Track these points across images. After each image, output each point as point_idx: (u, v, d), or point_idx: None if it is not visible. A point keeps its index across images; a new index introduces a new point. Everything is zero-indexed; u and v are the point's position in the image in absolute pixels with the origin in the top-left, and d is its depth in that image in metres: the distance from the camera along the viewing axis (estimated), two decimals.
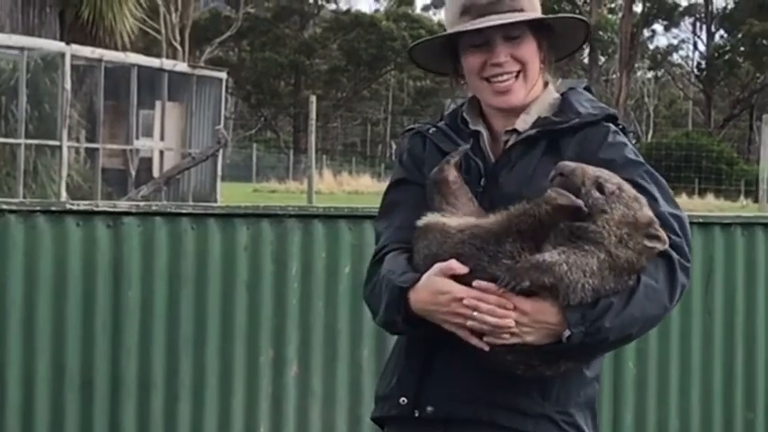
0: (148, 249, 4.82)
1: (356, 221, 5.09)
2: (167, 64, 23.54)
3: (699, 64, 71.84)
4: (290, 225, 5.02)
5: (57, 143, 18.94)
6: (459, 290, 2.70)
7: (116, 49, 21.88)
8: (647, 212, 2.73)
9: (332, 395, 5.09)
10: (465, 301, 2.68)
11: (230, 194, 27.28)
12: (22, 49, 18.57)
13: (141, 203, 5.28)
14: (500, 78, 2.92)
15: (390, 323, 2.86)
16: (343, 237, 5.08)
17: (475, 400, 2.81)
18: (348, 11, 72.12)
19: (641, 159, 2.89)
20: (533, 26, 2.94)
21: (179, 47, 53.95)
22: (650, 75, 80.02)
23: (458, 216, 2.82)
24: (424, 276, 2.76)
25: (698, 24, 71.64)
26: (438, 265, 2.74)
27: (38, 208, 4.74)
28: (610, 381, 5.41)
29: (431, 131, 3.02)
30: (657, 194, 2.83)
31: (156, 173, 21.39)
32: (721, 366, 5.62)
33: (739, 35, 64.88)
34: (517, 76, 2.92)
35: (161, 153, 22.74)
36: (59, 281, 4.72)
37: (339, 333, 5.09)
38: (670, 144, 45.77)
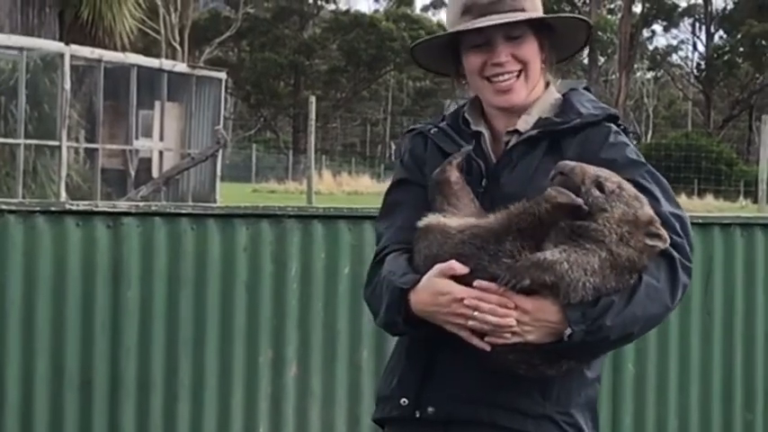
0: (148, 250, 4.82)
1: (356, 222, 5.08)
2: (167, 64, 23.52)
3: (698, 64, 71.94)
4: (289, 226, 5.02)
5: (56, 143, 18.92)
6: (459, 290, 2.69)
7: (115, 49, 21.85)
8: (648, 211, 2.72)
9: (331, 396, 5.08)
10: (466, 302, 2.68)
11: (230, 195, 27.27)
12: (21, 49, 18.55)
13: (141, 204, 5.28)
14: (501, 78, 2.91)
15: (391, 324, 2.85)
16: (343, 237, 5.07)
17: (476, 401, 2.81)
18: (347, 11, 72.19)
19: (643, 160, 2.89)
20: (535, 26, 2.94)
21: (178, 47, 53.97)
22: (649, 75, 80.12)
23: (458, 216, 2.82)
24: (425, 278, 2.76)
25: (697, 25, 71.74)
26: (438, 266, 2.74)
27: (37, 208, 4.74)
28: (609, 381, 5.40)
29: (432, 132, 3.02)
30: (659, 194, 2.82)
31: (155, 173, 21.37)
32: (720, 366, 5.62)
33: (739, 36, 64.94)
34: (518, 76, 2.92)
35: (160, 153, 22.72)
36: (59, 281, 4.72)
37: (338, 334, 5.08)
38: (669, 145, 45.80)
